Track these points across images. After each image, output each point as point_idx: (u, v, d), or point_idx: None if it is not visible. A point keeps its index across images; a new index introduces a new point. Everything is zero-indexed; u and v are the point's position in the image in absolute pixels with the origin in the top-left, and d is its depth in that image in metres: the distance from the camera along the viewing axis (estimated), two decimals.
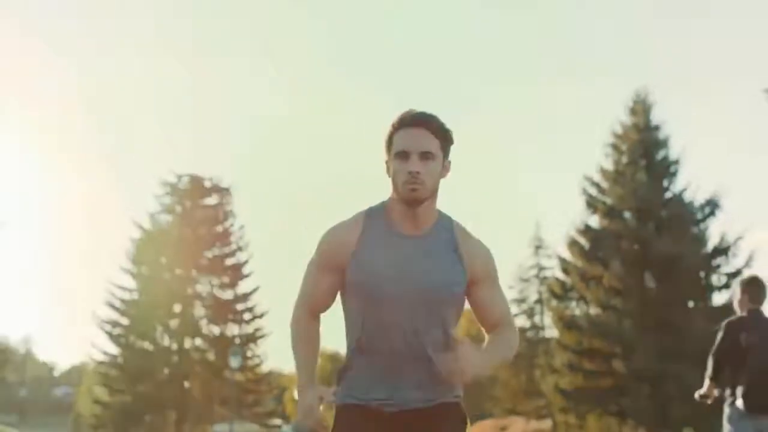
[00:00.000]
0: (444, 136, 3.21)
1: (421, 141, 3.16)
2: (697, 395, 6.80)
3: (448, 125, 3.25)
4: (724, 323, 6.65)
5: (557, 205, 69.05)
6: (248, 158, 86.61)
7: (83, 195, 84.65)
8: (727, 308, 29.78)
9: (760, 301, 6.64)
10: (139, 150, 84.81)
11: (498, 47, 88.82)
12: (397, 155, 3.17)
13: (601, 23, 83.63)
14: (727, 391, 6.51)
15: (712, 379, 6.57)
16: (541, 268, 45.35)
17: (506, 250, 55.66)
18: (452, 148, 3.28)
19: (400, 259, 3.18)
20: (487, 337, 3.31)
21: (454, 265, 3.20)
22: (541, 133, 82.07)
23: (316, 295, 3.31)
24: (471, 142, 76.05)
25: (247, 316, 39.61)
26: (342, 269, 3.23)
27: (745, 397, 6.33)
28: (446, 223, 3.27)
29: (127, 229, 47.48)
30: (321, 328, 3.40)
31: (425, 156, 3.15)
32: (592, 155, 44.75)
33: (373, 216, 3.26)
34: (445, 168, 3.24)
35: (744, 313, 6.64)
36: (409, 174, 3.13)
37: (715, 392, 6.61)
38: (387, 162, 3.25)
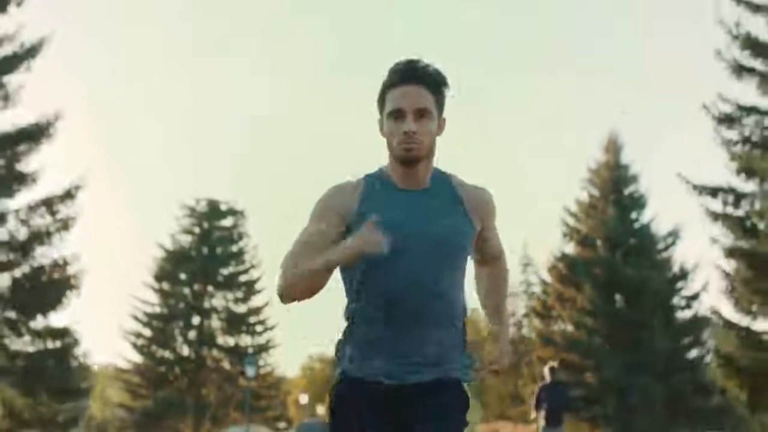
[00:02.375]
0: (439, 91, 3.16)
1: (415, 98, 3.10)
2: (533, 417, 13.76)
3: (443, 72, 3.19)
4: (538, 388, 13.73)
5: (552, 210, 74.44)
6: (260, 181, 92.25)
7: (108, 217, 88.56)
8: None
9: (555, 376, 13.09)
10: (149, 167, 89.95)
11: (498, 48, 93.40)
12: (391, 114, 3.11)
13: (601, 22, 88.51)
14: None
15: (536, 408, 13.09)
16: (529, 284, 50.87)
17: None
18: (447, 103, 3.21)
19: (405, 212, 3.13)
20: (483, 270, 3.44)
21: (463, 218, 3.20)
22: (541, 133, 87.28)
23: (313, 243, 3.09)
24: (469, 142, 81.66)
25: (259, 328, 44.93)
26: (344, 223, 3.15)
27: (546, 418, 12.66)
28: (444, 177, 3.25)
29: (150, 249, 52.42)
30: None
31: (420, 114, 3.09)
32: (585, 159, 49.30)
33: (372, 177, 3.23)
34: (440, 125, 3.19)
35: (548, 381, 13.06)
36: (405, 134, 3.08)
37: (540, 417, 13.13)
38: (380, 121, 3.19)
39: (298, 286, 3.03)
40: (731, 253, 21.04)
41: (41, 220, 22.86)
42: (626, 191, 37.91)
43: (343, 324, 3.25)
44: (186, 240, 45.44)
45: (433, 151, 3.19)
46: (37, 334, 22.98)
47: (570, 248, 38.33)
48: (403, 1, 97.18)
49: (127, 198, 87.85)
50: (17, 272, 22.54)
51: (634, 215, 37.86)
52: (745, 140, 20.77)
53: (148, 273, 44.63)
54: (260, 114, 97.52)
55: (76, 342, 23.90)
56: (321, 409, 63.22)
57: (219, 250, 45.31)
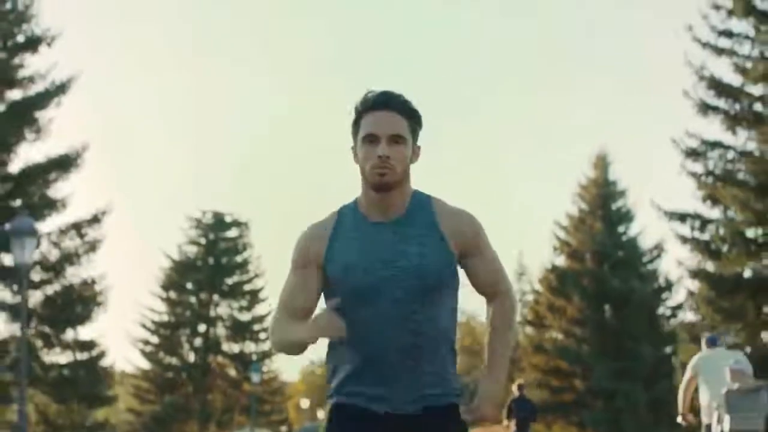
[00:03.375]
0: (413, 118, 3.19)
1: (389, 124, 3.12)
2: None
3: (415, 107, 3.21)
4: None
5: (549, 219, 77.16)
6: (262, 190, 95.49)
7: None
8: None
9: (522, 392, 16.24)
10: (154, 178, 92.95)
11: (497, 54, 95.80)
12: (365, 139, 3.13)
13: (599, 30, 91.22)
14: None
15: (507, 417, 15.56)
16: (524, 293, 53.60)
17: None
18: (422, 133, 3.24)
19: (376, 247, 3.14)
20: (488, 308, 3.31)
21: (431, 239, 3.15)
22: (535, 144, 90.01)
23: (295, 297, 3.21)
24: (465, 150, 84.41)
25: (263, 335, 47.28)
26: (319, 267, 3.19)
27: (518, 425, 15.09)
28: (423, 201, 3.23)
29: (157, 259, 54.99)
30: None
31: (395, 139, 3.11)
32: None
33: (345, 211, 3.23)
34: (415, 152, 3.20)
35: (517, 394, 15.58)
36: (379, 158, 3.09)
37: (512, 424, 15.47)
38: (353, 148, 3.21)
39: (283, 349, 3.20)
40: (696, 274, 23.76)
41: (71, 243, 25.59)
42: (614, 206, 40.68)
43: (330, 353, 3.29)
44: (192, 250, 47.85)
45: (408, 178, 3.19)
46: (68, 347, 25.75)
47: (561, 260, 41.08)
48: (404, 6, 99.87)
49: (133, 210, 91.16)
50: (49, 290, 25.24)
51: (621, 229, 40.62)
52: (709, 173, 23.49)
53: (156, 282, 47.32)
54: (261, 124, 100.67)
55: (102, 353, 26.73)
56: (321, 414, 65.77)
57: (224, 260, 47.79)
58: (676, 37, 24.09)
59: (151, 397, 46.13)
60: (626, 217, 40.64)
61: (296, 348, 3.16)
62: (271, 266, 76.51)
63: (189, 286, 47.20)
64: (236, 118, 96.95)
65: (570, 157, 79.71)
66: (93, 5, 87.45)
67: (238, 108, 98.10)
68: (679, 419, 10.52)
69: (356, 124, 3.19)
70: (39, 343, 25.21)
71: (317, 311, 3.16)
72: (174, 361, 46.49)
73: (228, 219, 48.61)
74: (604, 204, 40.36)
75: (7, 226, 23.25)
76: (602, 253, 39.50)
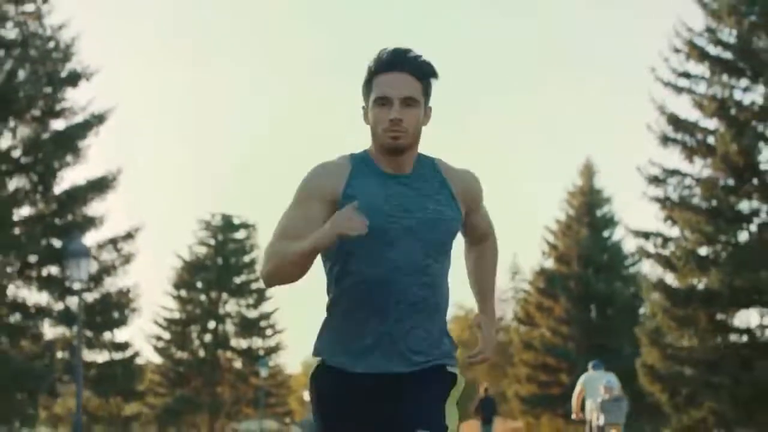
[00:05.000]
0: (426, 79, 3.22)
1: (402, 86, 3.15)
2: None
3: (431, 62, 3.25)
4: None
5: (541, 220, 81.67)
6: (267, 191, 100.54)
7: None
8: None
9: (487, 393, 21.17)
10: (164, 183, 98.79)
11: (497, 52, 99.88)
12: (377, 102, 3.17)
13: (598, 27, 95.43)
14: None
15: (475, 413, 20.46)
16: (517, 291, 58.04)
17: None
18: (434, 92, 3.27)
19: (397, 195, 3.18)
20: (472, 252, 3.49)
21: (449, 202, 3.25)
22: (535, 145, 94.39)
23: (298, 227, 3.15)
24: (464, 149, 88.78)
25: (269, 332, 51.48)
26: (332, 203, 3.18)
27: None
28: (428, 161, 3.30)
29: (169, 260, 59.04)
30: None
31: (407, 102, 3.15)
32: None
33: (357, 158, 3.26)
34: (426, 114, 3.24)
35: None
36: (391, 122, 3.12)
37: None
38: (364, 108, 3.25)
39: (281, 271, 3.09)
40: (655, 286, 28.13)
41: (108, 256, 30.00)
42: (599, 213, 45.10)
43: (331, 306, 3.25)
44: (202, 251, 51.78)
45: (418, 140, 3.22)
46: (106, 347, 30.23)
47: (549, 263, 45.52)
48: (405, 5, 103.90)
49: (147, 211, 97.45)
50: (89, 297, 29.60)
51: (606, 234, 45.04)
52: (667, 198, 27.81)
53: (168, 282, 51.52)
54: (262, 125, 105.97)
55: (136, 354, 31.30)
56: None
57: (232, 260, 51.68)
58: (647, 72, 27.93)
59: (163, 390, 49.49)
60: (610, 223, 45.04)
61: (299, 264, 3.08)
62: None
63: (199, 284, 50.92)
64: (237, 119, 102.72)
65: (568, 158, 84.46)
66: (125, 46, 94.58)
67: (238, 109, 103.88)
68: (573, 416, 16.28)
69: (368, 85, 3.22)
70: (82, 344, 29.57)
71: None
72: (185, 356, 50.26)
73: (236, 221, 52.72)
74: (589, 211, 44.76)
75: (59, 243, 27.92)
76: (587, 257, 43.89)
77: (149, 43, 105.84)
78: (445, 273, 3.28)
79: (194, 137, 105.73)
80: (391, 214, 3.17)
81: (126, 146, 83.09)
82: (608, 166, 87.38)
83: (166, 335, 50.62)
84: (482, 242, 3.50)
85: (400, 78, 3.17)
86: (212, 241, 52.31)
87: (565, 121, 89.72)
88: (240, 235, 52.70)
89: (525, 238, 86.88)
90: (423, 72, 3.23)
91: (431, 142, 3.49)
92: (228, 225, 52.60)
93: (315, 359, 3.32)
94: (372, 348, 3.18)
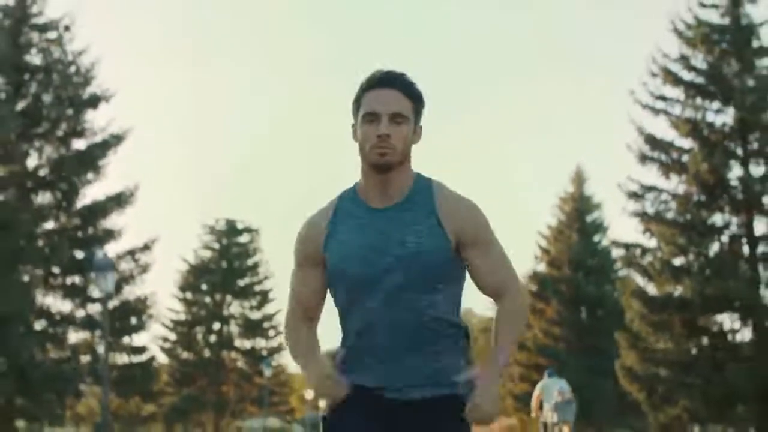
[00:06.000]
0: (416, 97, 3.26)
1: (391, 102, 3.20)
2: None
3: (420, 87, 3.28)
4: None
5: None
6: (270, 196, 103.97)
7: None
8: None
9: None
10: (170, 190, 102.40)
11: (496, 46, 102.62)
12: (365, 117, 3.20)
13: (596, 20, 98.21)
14: None
15: None
16: None
17: None
18: (424, 112, 3.30)
19: (369, 235, 3.22)
20: (494, 308, 3.30)
21: (428, 228, 3.20)
22: (533, 134, 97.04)
23: (302, 295, 3.37)
24: (462, 147, 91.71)
25: (272, 332, 53.98)
26: (318, 264, 3.32)
27: None
28: (424, 185, 3.29)
29: (174, 264, 61.76)
30: (319, 331, 3.46)
31: (396, 118, 3.18)
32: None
33: (345, 198, 3.33)
34: (416, 133, 3.27)
35: None
36: (378, 137, 3.16)
37: None
38: (354, 126, 3.29)
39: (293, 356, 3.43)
40: (633, 293, 31.08)
41: (126, 266, 32.99)
42: (589, 219, 48.10)
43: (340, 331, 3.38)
44: (207, 255, 54.53)
45: (408, 158, 3.25)
46: (125, 351, 33.30)
47: (542, 267, 48.52)
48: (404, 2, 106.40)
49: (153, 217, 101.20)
50: (110, 305, 32.58)
51: (595, 239, 48.04)
52: (644, 213, 30.72)
53: (174, 284, 54.37)
54: (262, 127, 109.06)
55: (153, 357, 34.40)
56: (323, 403, 71.62)
57: (236, 263, 54.32)
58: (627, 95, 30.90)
59: (169, 389, 51.60)
60: (600, 228, 48.05)
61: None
62: (279, 268, 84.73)
63: (204, 287, 53.51)
64: (237, 123, 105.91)
65: (561, 166, 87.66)
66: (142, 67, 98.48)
67: (238, 112, 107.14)
68: (533, 414, 19.58)
69: (358, 102, 3.26)
70: (101, 348, 32.55)
71: (325, 356, 3.35)
72: (191, 356, 52.75)
73: (239, 226, 55.51)
74: (579, 217, 47.76)
75: (81, 254, 30.91)
76: (578, 262, 46.88)
77: (149, 43, 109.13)
78: (444, 303, 3.24)
79: (197, 144, 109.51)
80: (364, 260, 3.21)
81: (136, 160, 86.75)
82: (601, 173, 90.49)
83: (173, 336, 53.04)
84: (498, 298, 3.31)
85: (390, 94, 3.22)
86: (216, 246, 54.85)
87: (559, 129, 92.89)
88: (243, 239, 55.38)
89: (519, 243, 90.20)
90: (412, 89, 3.27)
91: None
92: (232, 229, 55.22)
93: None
94: (386, 373, 3.25)
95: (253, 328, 54.17)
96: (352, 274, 3.24)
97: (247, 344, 54.41)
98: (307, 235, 3.36)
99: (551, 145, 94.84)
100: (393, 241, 3.22)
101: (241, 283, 54.49)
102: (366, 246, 3.24)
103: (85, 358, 32.03)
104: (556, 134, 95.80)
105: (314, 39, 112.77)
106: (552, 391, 19.35)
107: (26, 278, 30.61)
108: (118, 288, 32.69)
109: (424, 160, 3.40)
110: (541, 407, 19.89)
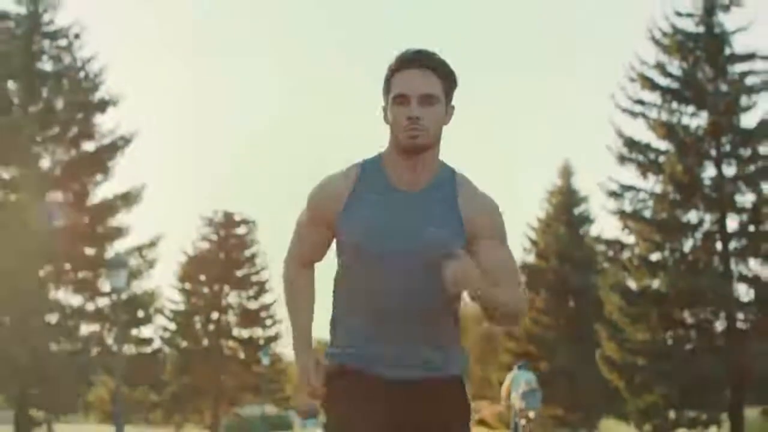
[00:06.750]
0: (448, 77, 3.27)
1: (422, 83, 3.21)
2: None
3: (451, 65, 3.27)
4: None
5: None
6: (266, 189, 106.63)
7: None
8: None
9: None
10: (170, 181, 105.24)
11: (497, 39, 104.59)
12: (396, 99, 3.21)
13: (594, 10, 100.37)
14: None
15: None
16: None
17: None
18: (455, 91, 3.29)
19: (392, 216, 3.26)
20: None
21: (449, 220, 3.27)
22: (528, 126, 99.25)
23: (305, 248, 3.49)
24: (460, 141, 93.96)
25: (269, 322, 55.84)
26: (332, 224, 3.36)
27: None
28: (447, 174, 3.34)
29: (174, 256, 63.53)
30: (315, 279, 3.56)
31: (427, 100, 3.20)
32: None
33: (368, 168, 3.35)
34: (448, 113, 3.29)
35: None
36: (409, 120, 3.17)
37: None
38: (384, 108, 3.30)
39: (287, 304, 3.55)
40: (612, 287, 33.59)
41: (134, 262, 35.38)
42: (576, 211, 50.57)
43: (335, 303, 3.44)
44: (205, 246, 56.69)
45: (439, 140, 3.27)
46: (133, 342, 35.78)
47: (530, 258, 51.02)
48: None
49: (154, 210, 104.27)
50: (117, 299, 35.02)
51: (582, 231, 50.51)
52: (623, 211, 33.16)
53: (173, 275, 56.66)
54: (261, 122, 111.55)
55: (160, 349, 36.90)
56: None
57: (234, 254, 56.29)
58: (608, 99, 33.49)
59: (168, 378, 52.33)
60: (587, 221, 50.55)
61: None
62: (276, 259, 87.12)
63: (202, 278, 55.41)
64: (235, 114, 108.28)
65: (549, 159, 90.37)
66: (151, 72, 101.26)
67: (236, 104, 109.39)
68: (502, 402, 22.02)
69: (388, 83, 3.28)
70: (110, 339, 34.99)
71: (318, 357, 3.41)
72: (190, 345, 54.65)
73: (237, 218, 57.40)
74: (567, 209, 50.25)
75: (91, 251, 33.29)
76: (565, 253, 49.36)
77: (148, 43, 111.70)
78: (445, 290, 3.23)
79: (197, 140, 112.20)
80: (385, 239, 3.26)
81: (141, 159, 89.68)
82: (589, 167, 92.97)
83: (172, 326, 54.94)
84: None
85: (420, 74, 3.21)
86: (215, 237, 56.90)
87: (549, 123, 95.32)
88: (241, 231, 57.25)
89: (510, 235, 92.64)
90: (444, 69, 3.27)
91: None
92: (229, 221, 57.50)
93: (329, 350, 3.48)
94: (376, 353, 3.34)
95: (251, 318, 55.97)
96: (370, 251, 3.29)
97: (244, 333, 56.13)
98: (324, 195, 3.41)
99: (541, 139, 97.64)
100: (414, 227, 3.28)
101: (239, 273, 56.19)
102: (388, 226, 3.29)
103: (95, 350, 34.39)
104: (546, 128, 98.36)
105: (314, 33, 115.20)
106: (520, 381, 21.46)
107: (42, 274, 32.99)
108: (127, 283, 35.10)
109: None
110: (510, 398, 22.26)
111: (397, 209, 3.30)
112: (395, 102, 3.24)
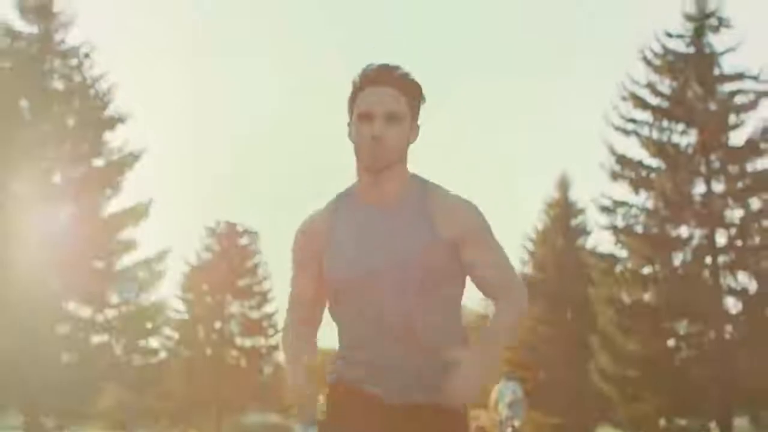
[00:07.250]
0: (413, 94, 3.24)
1: (386, 101, 3.18)
2: None
3: (418, 80, 3.23)
4: None
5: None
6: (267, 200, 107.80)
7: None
8: None
9: None
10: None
11: (491, 43, 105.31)
12: (360, 117, 3.20)
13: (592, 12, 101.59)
14: None
15: None
16: None
17: None
18: (422, 108, 3.28)
19: (364, 239, 3.25)
20: (491, 307, 3.39)
21: (420, 231, 3.21)
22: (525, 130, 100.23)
23: (305, 296, 3.42)
24: (460, 142, 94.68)
25: (271, 331, 56.85)
26: (320, 262, 3.35)
27: None
28: (419, 187, 3.30)
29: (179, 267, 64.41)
30: (317, 337, 3.53)
31: (391, 118, 3.18)
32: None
33: (343, 196, 3.36)
34: (413, 131, 3.27)
35: None
36: (372, 139, 3.16)
37: None
38: (349, 125, 3.27)
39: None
40: (605, 300, 35.06)
41: (141, 274, 36.85)
42: (573, 223, 52.04)
43: (337, 333, 3.43)
44: (208, 257, 58.10)
45: (404, 158, 3.26)
46: (141, 352, 37.26)
47: (528, 269, 52.46)
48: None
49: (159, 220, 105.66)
50: (126, 310, 36.53)
51: (579, 242, 51.96)
52: (614, 226, 34.67)
53: (177, 285, 57.92)
54: (262, 127, 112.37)
55: (168, 359, 38.37)
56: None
57: (236, 264, 57.41)
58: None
59: (173, 387, 55.36)
60: (584, 232, 52.01)
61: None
62: (277, 270, 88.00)
63: (205, 287, 56.74)
64: (237, 124, 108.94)
65: (548, 171, 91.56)
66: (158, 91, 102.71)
67: (237, 113, 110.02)
68: (491, 413, 23.27)
69: (352, 100, 3.26)
70: (118, 349, 36.47)
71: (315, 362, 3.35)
72: (192, 354, 55.87)
73: (239, 228, 58.87)
74: (564, 221, 51.72)
75: (100, 264, 34.75)
76: (562, 265, 50.80)
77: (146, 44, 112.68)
78: (438, 309, 3.26)
79: (198, 151, 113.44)
80: (356, 264, 3.25)
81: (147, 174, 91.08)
82: (586, 180, 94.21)
83: (175, 335, 56.17)
84: (497, 299, 3.34)
85: (385, 92, 3.21)
86: (217, 247, 58.34)
87: (548, 135, 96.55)
88: (243, 241, 58.57)
89: (507, 247, 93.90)
90: (409, 86, 3.25)
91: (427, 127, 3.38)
92: (232, 232, 58.76)
93: (332, 368, 3.49)
94: (370, 375, 3.32)
95: (253, 328, 57.16)
96: (341, 277, 3.29)
97: (247, 342, 57.36)
98: (306, 234, 3.41)
99: (540, 152, 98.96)
100: (383, 245, 3.25)
101: (241, 283, 57.37)
102: (356, 250, 3.28)
103: (103, 360, 35.80)
104: (545, 140, 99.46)
105: (314, 43, 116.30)
106: (506, 392, 22.88)
107: (53, 286, 34.45)
108: (135, 295, 36.63)
109: (412, 157, 3.37)
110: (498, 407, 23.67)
111: (366, 230, 3.30)
112: (359, 120, 3.24)
